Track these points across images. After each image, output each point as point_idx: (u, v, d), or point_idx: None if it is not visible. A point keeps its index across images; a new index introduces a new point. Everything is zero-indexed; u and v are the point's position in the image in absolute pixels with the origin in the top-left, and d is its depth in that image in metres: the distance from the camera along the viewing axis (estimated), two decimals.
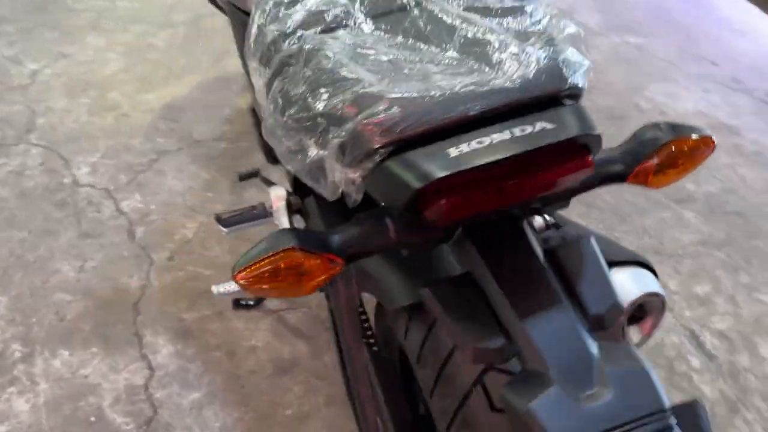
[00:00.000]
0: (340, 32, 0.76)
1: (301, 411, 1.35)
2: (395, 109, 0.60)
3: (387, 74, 0.65)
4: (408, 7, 0.77)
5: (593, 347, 0.59)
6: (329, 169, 0.69)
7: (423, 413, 1.03)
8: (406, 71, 0.65)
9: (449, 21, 0.72)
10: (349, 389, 1.12)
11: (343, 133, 0.63)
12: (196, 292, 1.57)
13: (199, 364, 1.42)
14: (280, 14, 0.81)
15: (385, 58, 0.68)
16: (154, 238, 1.69)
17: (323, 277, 0.67)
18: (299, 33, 0.76)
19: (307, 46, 0.72)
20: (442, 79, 0.62)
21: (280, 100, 0.74)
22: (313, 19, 0.77)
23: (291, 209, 1.25)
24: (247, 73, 1.03)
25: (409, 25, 0.74)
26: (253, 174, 1.52)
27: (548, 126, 0.59)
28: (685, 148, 0.68)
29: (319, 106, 0.66)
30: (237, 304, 1.55)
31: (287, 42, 0.76)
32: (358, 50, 0.70)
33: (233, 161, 1.95)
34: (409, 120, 0.60)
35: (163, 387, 1.37)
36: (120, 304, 1.53)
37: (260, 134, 1.36)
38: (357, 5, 0.78)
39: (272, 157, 1.43)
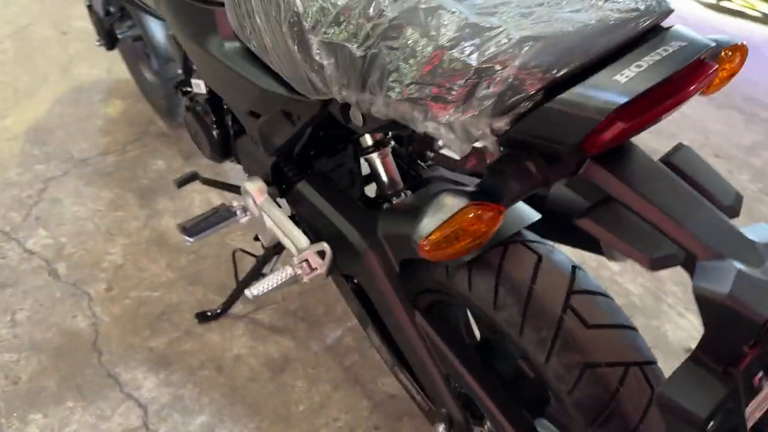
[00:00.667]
0: None
1: (312, 403, 1.35)
2: (547, 51, 0.62)
3: (516, 20, 0.66)
4: None
5: (743, 230, 0.67)
6: (457, 127, 0.68)
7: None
8: (533, 15, 0.66)
9: None
10: (398, 362, 1.14)
11: (497, 83, 0.64)
12: (153, 316, 1.47)
13: (191, 387, 1.35)
14: None
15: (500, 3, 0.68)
16: (82, 272, 1.54)
17: (494, 229, 0.69)
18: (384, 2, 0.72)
19: (422, 6, 0.69)
20: (571, 18, 0.65)
21: (388, 72, 0.71)
22: None
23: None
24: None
25: None
26: (191, 177, 1.45)
27: (682, 44, 0.65)
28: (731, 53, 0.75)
29: (471, 60, 0.65)
30: (202, 317, 1.48)
31: (373, 8, 0.73)
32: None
33: (130, 172, 1.82)
34: (562, 60, 0.62)
35: (163, 420, 1.29)
36: (77, 349, 1.38)
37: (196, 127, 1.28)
38: None
39: (219, 153, 1.37)
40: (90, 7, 1.81)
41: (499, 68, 0.63)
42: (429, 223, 0.69)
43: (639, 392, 0.87)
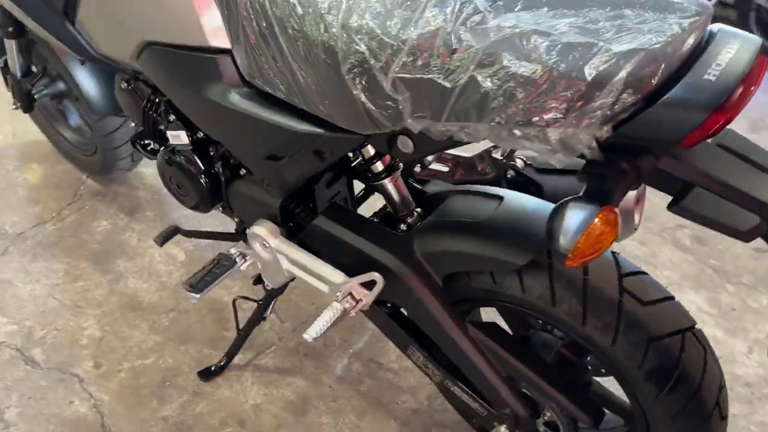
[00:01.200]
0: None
1: None
2: (645, 61, 0.69)
3: (598, 34, 0.72)
4: None
5: None
6: (566, 141, 0.73)
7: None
8: (616, 30, 0.72)
9: None
10: (449, 375, 1.17)
11: (606, 96, 0.69)
12: (155, 384, 1.40)
13: None
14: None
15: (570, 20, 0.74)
16: (61, 354, 1.43)
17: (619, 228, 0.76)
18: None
19: (515, 32, 0.73)
20: (651, 28, 0.71)
21: (492, 98, 0.75)
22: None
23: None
24: None
25: None
26: (173, 233, 1.40)
27: (741, 41, 0.73)
28: None
29: (581, 77, 0.69)
30: (206, 373, 1.43)
31: (454, 42, 0.76)
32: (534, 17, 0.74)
33: (75, 239, 1.71)
34: (658, 68, 0.69)
35: None
36: None
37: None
38: None
39: (207, 202, 1.33)
40: (4, 69, 1.67)
41: (607, 82, 0.69)
42: (571, 236, 0.73)
43: (696, 354, 0.97)
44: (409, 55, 0.78)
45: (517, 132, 0.76)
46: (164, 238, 1.40)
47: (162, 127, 1.37)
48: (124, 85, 1.39)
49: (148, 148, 1.49)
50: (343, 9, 0.84)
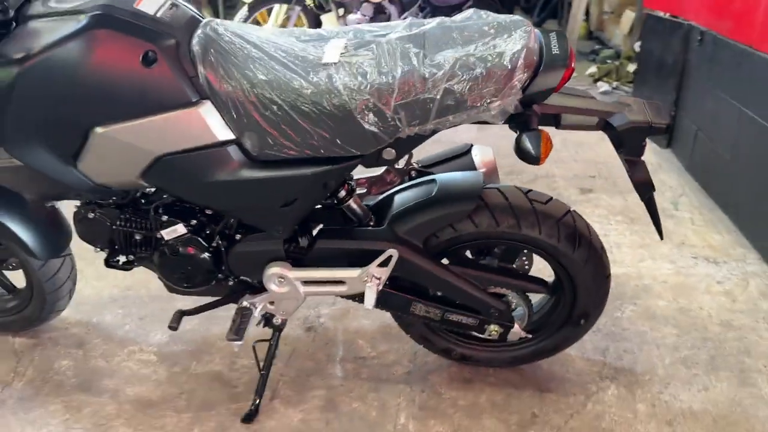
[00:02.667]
0: None
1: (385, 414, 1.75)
2: (529, 53, 1.31)
3: (495, 48, 1.33)
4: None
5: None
6: (498, 110, 1.32)
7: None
8: (495, 47, 1.33)
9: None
10: (446, 308, 1.64)
11: (518, 75, 1.32)
12: None
13: None
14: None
15: None
16: None
17: None
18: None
19: (464, 56, 1.31)
20: (511, 41, 1.34)
21: (459, 97, 1.31)
22: None
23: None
24: None
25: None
26: (180, 317, 1.71)
27: (552, 31, 1.39)
28: None
29: (508, 66, 1.29)
30: (248, 417, 1.70)
31: (428, 72, 1.32)
32: None
33: (49, 382, 1.84)
34: (533, 54, 1.32)
35: None
36: None
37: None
38: None
39: (212, 276, 1.64)
40: None
41: (516, 68, 1.29)
42: (537, 146, 1.30)
43: (581, 222, 1.62)
44: (400, 90, 1.30)
45: (473, 113, 1.32)
46: (177, 322, 1.69)
47: (138, 237, 1.65)
48: (90, 215, 1.64)
49: (122, 263, 1.73)
50: (341, 78, 1.32)
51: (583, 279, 1.64)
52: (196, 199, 1.53)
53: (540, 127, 1.37)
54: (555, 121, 1.42)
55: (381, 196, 1.72)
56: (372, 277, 1.55)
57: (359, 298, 1.63)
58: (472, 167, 1.78)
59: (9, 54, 1.32)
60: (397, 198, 1.65)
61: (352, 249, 1.59)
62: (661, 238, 1.60)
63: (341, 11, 5.16)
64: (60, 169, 1.44)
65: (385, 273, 1.55)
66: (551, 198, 1.62)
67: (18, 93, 1.32)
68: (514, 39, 1.33)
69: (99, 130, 1.38)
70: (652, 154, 3.67)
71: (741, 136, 2.81)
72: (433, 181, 1.62)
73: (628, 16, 5.63)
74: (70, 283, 1.96)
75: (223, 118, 1.40)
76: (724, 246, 2.65)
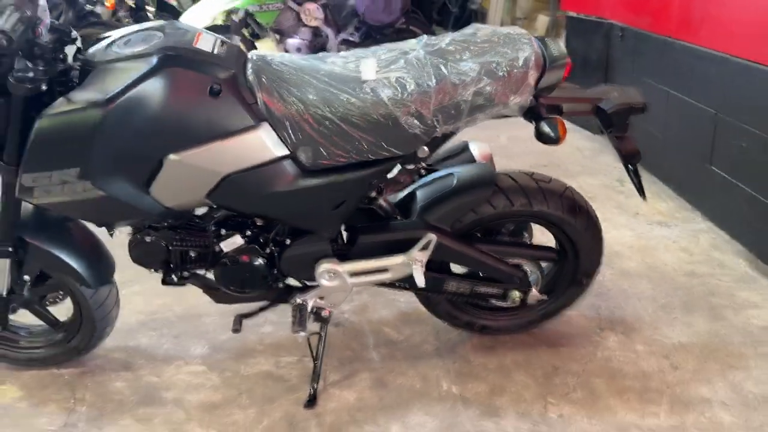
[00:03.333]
0: None
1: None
2: (537, 57, 1.60)
3: (510, 56, 1.60)
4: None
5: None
6: (517, 106, 1.61)
7: None
8: (509, 55, 1.61)
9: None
10: (474, 281, 1.89)
11: (532, 74, 1.59)
12: (286, 428, 1.82)
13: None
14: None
15: None
16: None
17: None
18: None
19: (489, 59, 1.57)
20: (520, 49, 1.62)
21: (487, 97, 1.60)
22: None
23: None
24: None
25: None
26: (241, 319, 1.89)
27: (547, 41, 1.69)
28: None
29: (523, 68, 1.58)
30: (310, 402, 1.89)
31: (458, 79, 1.57)
32: None
33: (111, 402, 1.95)
34: (540, 58, 1.61)
35: None
36: None
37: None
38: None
39: (270, 279, 1.83)
40: None
41: (530, 69, 1.57)
42: (556, 130, 1.58)
43: (579, 197, 1.90)
44: (437, 96, 1.55)
45: (497, 109, 1.59)
46: (239, 324, 1.87)
47: (194, 253, 1.82)
48: (148, 239, 1.79)
49: (177, 280, 1.89)
50: (384, 91, 1.56)
51: (584, 243, 1.93)
52: (257, 210, 1.72)
53: (552, 115, 1.66)
54: (557, 110, 1.71)
55: (401, 194, 1.96)
56: (415, 261, 1.78)
57: (399, 283, 1.87)
58: (472, 161, 2.04)
59: (91, 98, 1.48)
60: (419, 193, 1.89)
61: (391, 240, 1.82)
62: (644, 199, 1.91)
63: (278, 37, 5.37)
64: (136, 196, 1.60)
65: (425, 256, 1.79)
66: (551, 178, 1.91)
67: (103, 132, 1.48)
68: (522, 46, 1.61)
69: (172, 157, 1.55)
70: (588, 141, 4.08)
71: (670, 116, 3.22)
72: (450, 175, 1.87)
73: (543, 20, 6.10)
74: (117, 308, 2.08)
75: (279, 137, 1.61)
76: (670, 211, 3.04)
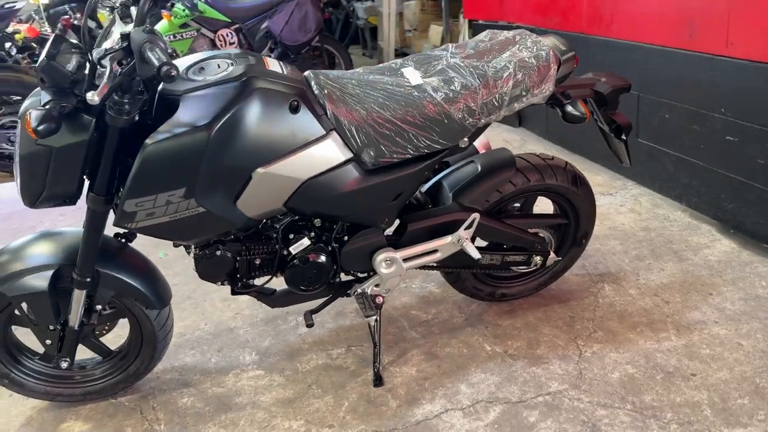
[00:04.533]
0: None
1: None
2: (554, 53, 1.92)
3: (527, 57, 1.91)
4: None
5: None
6: (543, 96, 1.91)
7: None
8: (530, 56, 1.92)
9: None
10: (503, 252, 2.17)
11: (553, 68, 1.91)
12: (367, 401, 2.01)
13: None
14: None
15: None
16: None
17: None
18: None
19: (521, 58, 1.87)
20: (540, 47, 1.93)
21: (522, 88, 1.88)
22: None
23: None
24: None
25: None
26: (310, 315, 2.07)
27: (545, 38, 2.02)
28: None
29: (545, 62, 1.89)
30: (377, 380, 2.09)
31: (492, 77, 1.87)
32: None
33: (227, 410, 2.05)
34: (557, 54, 1.94)
35: None
36: None
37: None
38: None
39: (332, 275, 2.02)
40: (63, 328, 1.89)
41: (551, 63, 1.89)
42: (581, 110, 1.91)
43: (577, 170, 2.25)
44: (482, 91, 1.83)
45: (530, 97, 1.90)
46: (310, 319, 2.05)
47: (259, 261, 1.97)
48: (218, 252, 1.93)
49: (248, 288, 2.02)
50: (437, 93, 1.82)
51: (584, 208, 2.28)
52: (327, 210, 1.90)
53: (571, 100, 1.99)
54: (567, 96, 2.04)
55: (427, 185, 2.22)
56: (463, 239, 2.04)
57: (444, 262, 2.12)
58: (475, 151, 2.34)
59: (192, 123, 1.61)
60: (446, 182, 2.15)
61: (436, 224, 2.06)
62: (630, 164, 2.28)
63: None
64: (227, 209, 1.74)
65: (470, 234, 2.06)
66: (553, 156, 2.24)
67: (208, 152, 1.62)
68: (537, 44, 1.93)
69: (260, 170, 1.72)
70: (510, 133, 4.53)
71: None
72: (471, 162, 2.15)
73: (436, 30, 6.57)
74: (172, 329, 2.17)
75: (345, 142, 1.82)
76: (607, 182, 3.51)
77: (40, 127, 1.48)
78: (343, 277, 2.12)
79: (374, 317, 2.03)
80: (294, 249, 1.95)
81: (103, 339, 2.11)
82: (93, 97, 1.47)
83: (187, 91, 1.66)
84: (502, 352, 2.19)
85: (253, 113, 1.67)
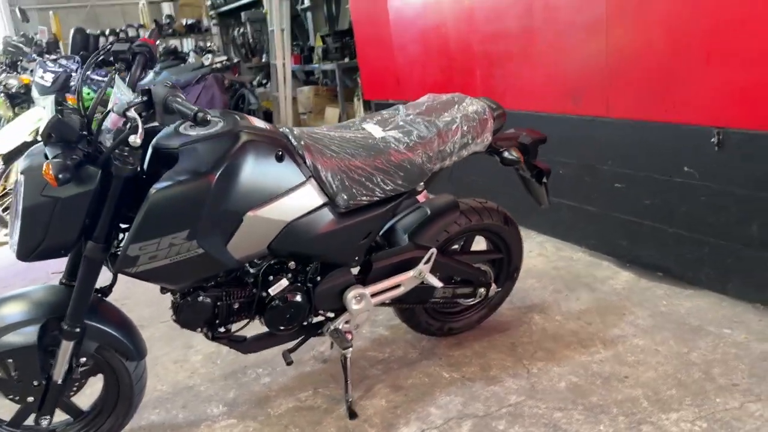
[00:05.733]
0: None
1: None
2: (488, 110, 2.26)
3: (474, 114, 2.24)
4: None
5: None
6: (484, 143, 2.24)
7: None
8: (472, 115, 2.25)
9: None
10: (452, 284, 2.41)
11: (490, 122, 2.24)
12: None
13: None
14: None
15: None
16: None
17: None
18: None
19: (463, 114, 2.18)
20: (479, 108, 2.27)
21: (464, 143, 2.19)
22: None
23: None
24: None
25: None
26: (288, 355, 2.20)
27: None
28: None
29: (486, 118, 2.22)
30: (351, 414, 2.23)
31: (449, 130, 2.17)
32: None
33: None
34: (492, 111, 2.28)
35: None
36: None
37: None
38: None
39: (309, 314, 2.17)
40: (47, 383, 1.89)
41: (487, 119, 2.23)
42: (516, 157, 2.23)
43: (503, 209, 2.60)
44: (437, 140, 2.13)
45: (473, 146, 2.22)
46: (288, 358, 2.18)
47: (238, 305, 2.10)
48: (200, 298, 2.04)
49: (222, 336, 2.12)
50: (399, 143, 2.10)
51: (515, 244, 2.61)
52: (306, 249, 2.06)
53: (507, 147, 2.33)
54: (498, 146, 2.39)
55: (383, 230, 2.45)
56: (423, 272, 2.28)
57: (404, 298, 2.34)
58: (416, 202, 2.62)
59: (194, 171, 1.76)
60: (400, 225, 2.40)
61: (398, 261, 2.29)
62: (549, 205, 2.65)
63: None
64: (221, 251, 1.88)
65: (428, 268, 2.30)
66: (485, 200, 2.57)
67: (210, 197, 1.77)
68: (475, 102, 2.28)
69: (251, 213, 1.89)
70: None
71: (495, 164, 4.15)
72: (420, 208, 2.43)
73: (332, 111, 6.98)
74: (146, 381, 2.19)
75: (321, 188, 2.03)
76: None
77: (60, 175, 1.58)
78: (314, 319, 2.27)
79: (350, 349, 2.18)
80: (273, 290, 2.09)
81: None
82: (135, 140, 1.62)
83: (183, 145, 1.82)
84: (460, 377, 2.41)
85: (246, 162, 1.85)
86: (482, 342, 2.64)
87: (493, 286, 2.57)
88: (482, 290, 2.54)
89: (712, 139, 2.70)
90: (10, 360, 1.86)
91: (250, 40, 8.41)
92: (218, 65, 5.87)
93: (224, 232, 1.87)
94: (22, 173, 1.73)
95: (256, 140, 1.88)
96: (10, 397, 1.92)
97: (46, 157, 1.71)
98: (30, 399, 1.93)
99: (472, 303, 2.62)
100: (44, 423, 1.96)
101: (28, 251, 1.76)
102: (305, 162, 2.00)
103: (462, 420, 2.16)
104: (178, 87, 1.71)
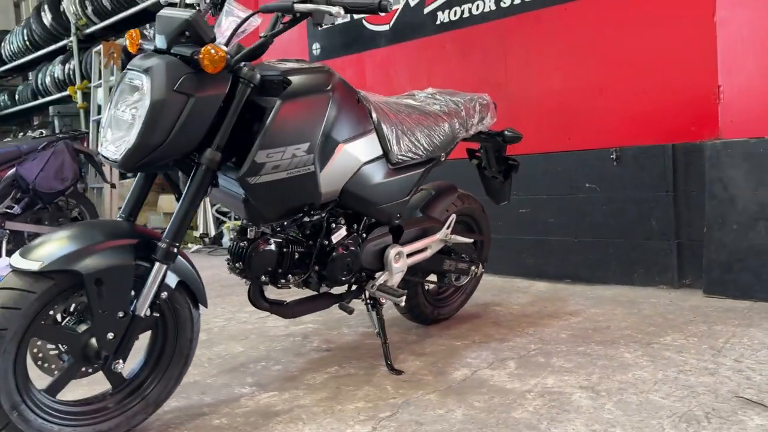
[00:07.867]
0: None
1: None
2: (485, 108, 2.64)
3: (460, 101, 2.59)
4: None
5: None
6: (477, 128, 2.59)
7: None
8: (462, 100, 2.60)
9: None
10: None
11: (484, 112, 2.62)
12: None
13: None
14: None
15: None
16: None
17: None
18: None
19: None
20: (477, 97, 2.62)
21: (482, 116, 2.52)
22: None
23: None
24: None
25: None
26: (345, 304, 2.23)
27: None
28: None
29: (481, 106, 2.57)
30: (392, 369, 2.26)
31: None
32: None
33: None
34: (485, 103, 2.65)
35: None
36: None
37: None
38: None
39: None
40: None
41: (477, 108, 2.62)
42: (517, 132, 2.61)
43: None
44: (463, 113, 2.45)
45: (484, 124, 2.58)
46: (347, 307, 2.20)
47: (297, 256, 2.10)
48: (270, 243, 2.02)
49: (289, 283, 2.07)
50: (441, 106, 2.38)
51: (486, 231, 2.93)
52: (368, 196, 2.15)
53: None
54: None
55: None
56: (448, 235, 2.49)
57: (425, 265, 2.49)
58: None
59: (315, 88, 1.89)
60: (410, 203, 2.60)
61: (423, 227, 2.47)
62: (509, 201, 3.03)
63: None
64: (319, 177, 1.92)
65: (449, 231, 2.51)
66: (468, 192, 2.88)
67: (327, 115, 1.88)
68: (472, 95, 2.66)
69: (342, 145, 1.99)
70: None
71: None
72: (425, 189, 2.66)
73: (167, 199, 6.77)
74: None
75: (379, 140, 2.20)
76: None
77: (229, 56, 1.59)
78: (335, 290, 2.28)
79: (404, 297, 2.24)
80: (335, 238, 2.13)
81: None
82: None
83: (287, 72, 1.89)
84: (471, 342, 2.57)
85: (342, 95, 2.00)
86: (467, 324, 2.84)
87: (481, 265, 2.83)
88: (474, 268, 2.78)
89: (611, 156, 3.39)
90: (99, 283, 1.63)
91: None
92: (67, 133, 5.48)
93: (323, 157, 1.94)
94: (145, 71, 1.66)
95: (343, 80, 2.03)
96: (86, 332, 1.66)
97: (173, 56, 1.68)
98: (110, 335, 1.68)
99: (458, 285, 2.82)
100: (119, 368, 1.70)
101: (140, 156, 1.65)
102: (370, 114, 2.17)
103: (504, 361, 2.32)
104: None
